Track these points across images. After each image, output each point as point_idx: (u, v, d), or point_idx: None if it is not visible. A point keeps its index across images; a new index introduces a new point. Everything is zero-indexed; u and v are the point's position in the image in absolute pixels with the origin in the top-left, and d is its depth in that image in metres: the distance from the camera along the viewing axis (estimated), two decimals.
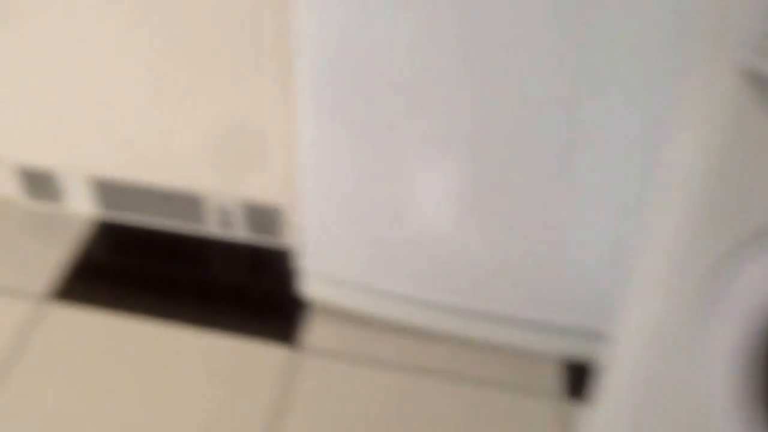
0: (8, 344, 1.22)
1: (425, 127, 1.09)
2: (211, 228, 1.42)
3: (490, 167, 1.11)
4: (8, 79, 1.23)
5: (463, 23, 0.99)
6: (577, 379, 1.25)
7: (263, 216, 1.38)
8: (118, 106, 1.23)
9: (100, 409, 1.15)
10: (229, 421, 1.15)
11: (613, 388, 0.88)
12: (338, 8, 1.01)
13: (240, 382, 1.20)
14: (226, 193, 1.31)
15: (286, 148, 1.23)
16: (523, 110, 1.04)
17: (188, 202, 1.39)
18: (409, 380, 1.23)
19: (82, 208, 1.44)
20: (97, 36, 1.16)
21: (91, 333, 1.25)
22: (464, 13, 0.98)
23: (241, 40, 1.13)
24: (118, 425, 1.14)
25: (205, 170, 1.28)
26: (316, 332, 1.29)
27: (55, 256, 1.36)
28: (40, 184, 1.41)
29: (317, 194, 1.21)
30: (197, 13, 1.12)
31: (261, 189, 1.29)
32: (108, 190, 1.40)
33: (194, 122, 1.23)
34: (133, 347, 1.24)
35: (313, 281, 1.30)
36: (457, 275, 1.24)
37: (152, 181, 1.32)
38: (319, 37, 1.04)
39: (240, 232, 1.41)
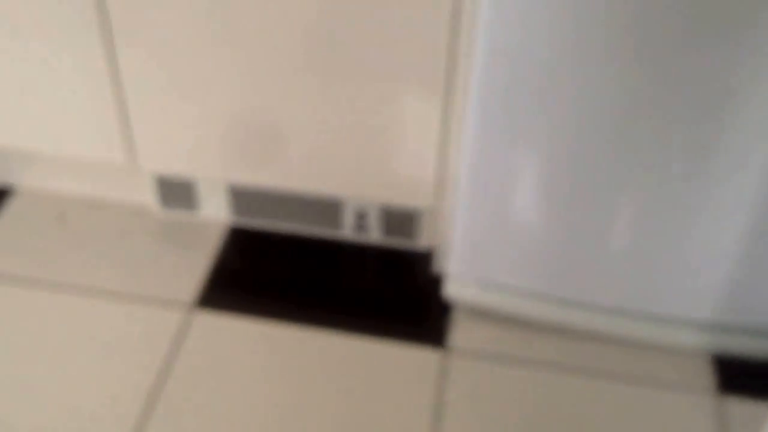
0: (164, 354, 1.24)
1: (584, 134, 1.08)
2: (347, 232, 1.42)
3: (638, 170, 1.10)
4: (142, 90, 1.24)
5: (626, 26, 0.98)
6: (728, 374, 1.24)
7: (400, 219, 1.38)
8: (256, 114, 1.24)
9: (256, 415, 1.17)
10: (392, 427, 1.16)
11: None
12: (506, 12, 1.01)
13: (395, 387, 1.21)
14: (365, 197, 1.32)
15: (435, 151, 1.23)
16: (664, 115, 1.04)
17: (325, 207, 1.40)
18: (559, 379, 1.22)
19: (217, 215, 1.45)
20: (236, 43, 1.17)
21: (239, 340, 1.26)
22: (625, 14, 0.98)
23: (394, 46, 1.13)
24: (274, 430, 1.15)
25: (345, 174, 1.29)
26: (462, 334, 1.29)
27: (195, 264, 1.38)
28: (176, 192, 1.43)
29: (469, 197, 1.21)
30: (349, 14, 1.12)
31: (400, 192, 1.29)
32: (242, 197, 1.41)
33: (337, 126, 1.23)
34: (281, 353, 1.25)
35: (458, 283, 1.30)
36: (601, 273, 1.23)
37: (288, 186, 1.33)
38: (489, 40, 1.04)
39: (375, 236, 1.42)
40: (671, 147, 1.08)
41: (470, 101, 1.12)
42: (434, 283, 1.36)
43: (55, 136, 1.34)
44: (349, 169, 1.28)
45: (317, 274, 1.38)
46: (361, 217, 1.39)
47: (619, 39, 1.00)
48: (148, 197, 1.45)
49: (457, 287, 1.30)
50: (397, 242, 1.42)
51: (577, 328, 1.28)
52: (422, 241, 1.41)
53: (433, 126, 1.20)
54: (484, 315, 1.31)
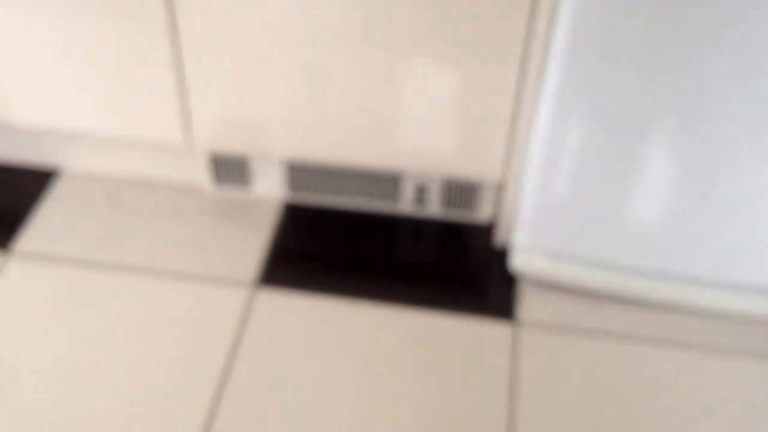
0: (230, 335, 1.22)
1: (662, 103, 1.06)
2: (406, 206, 1.40)
3: (712, 138, 1.08)
4: (202, 67, 1.21)
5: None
6: None
7: (462, 192, 1.36)
8: (315, 86, 1.21)
9: (327, 393, 1.15)
10: (470, 402, 1.15)
11: None
12: None
13: (466, 362, 1.19)
14: (427, 170, 1.29)
15: (507, 122, 1.21)
16: (740, 85, 1.02)
17: (384, 180, 1.37)
18: (632, 350, 1.21)
19: (271, 192, 1.43)
20: (296, 14, 1.14)
21: (305, 317, 1.25)
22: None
23: (467, 9, 1.10)
24: (349, 409, 1.14)
25: (407, 147, 1.26)
26: (531, 306, 1.27)
27: (254, 241, 1.36)
28: (229, 169, 1.40)
29: (540, 168, 1.19)
30: None
31: (466, 164, 1.27)
32: (298, 172, 1.39)
33: (400, 98, 1.21)
34: (348, 330, 1.23)
35: (526, 255, 1.28)
36: (674, 242, 1.21)
37: (348, 160, 1.30)
38: (573, 18, 1.01)
39: (435, 209, 1.40)
40: (744, 116, 1.06)
41: (548, 70, 1.09)
42: (498, 255, 1.35)
43: (110, 117, 1.30)
44: (412, 142, 1.25)
45: (377, 249, 1.36)
46: (421, 191, 1.37)
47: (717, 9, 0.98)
48: (200, 175, 1.43)
49: (524, 259, 1.28)
50: (457, 215, 1.40)
51: (649, 297, 1.26)
52: (483, 213, 1.39)
53: (507, 96, 1.17)
54: (552, 287, 1.29)
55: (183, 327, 1.22)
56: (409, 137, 1.25)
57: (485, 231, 1.39)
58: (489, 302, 1.28)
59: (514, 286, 1.30)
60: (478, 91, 1.17)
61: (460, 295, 1.29)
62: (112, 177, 1.46)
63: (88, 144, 1.43)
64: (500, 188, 1.34)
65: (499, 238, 1.35)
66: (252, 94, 1.23)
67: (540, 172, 1.19)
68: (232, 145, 1.31)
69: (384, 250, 1.36)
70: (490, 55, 1.13)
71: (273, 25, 1.15)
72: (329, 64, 1.18)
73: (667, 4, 0.99)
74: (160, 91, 1.25)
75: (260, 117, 1.26)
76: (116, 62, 1.23)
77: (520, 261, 1.28)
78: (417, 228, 1.40)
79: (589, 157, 1.15)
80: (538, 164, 1.19)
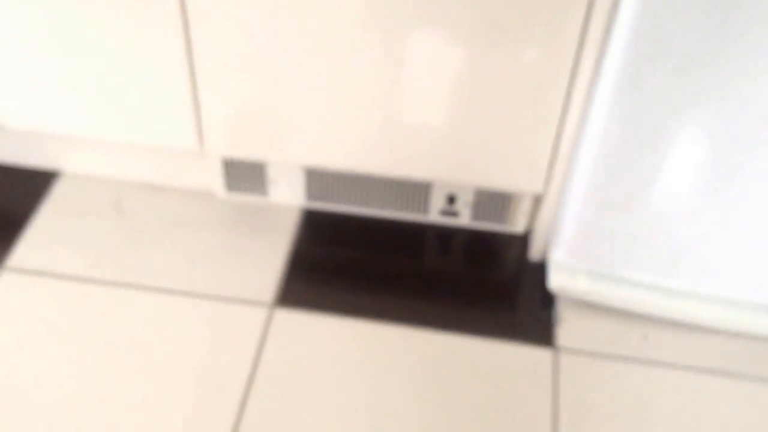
0: (250, 357, 1.13)
1: (730, 118, 0.96)
2: (434, 216, 1.31)
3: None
4: (214, 70, 1.10)
5: None
6: None
7: (495, 203, 1.27)
8: (337, 90, 1.11)
9: (349, 420, 1.06)
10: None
11: None
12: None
13: (501, 390, 1.10)
14: (458, 181, 1.19)
15: (552, 132, 1.11)
16: None
17: (411, 190, 1.27)
18: (677, 377, 1.13)
19: (290, 199, 1.33)
20: (314, 12, 1.03)
21: (327, 337, 1.15)
22: None
23: (521, 12, 1.00)
24: None
25: (437, 157, 1.16)
26: (572, 328, 1.18)
27: (272, 255, 1.26)
28: (244, 174, 1.30)
29: (588, 181, 1.09)
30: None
31: (503, 175, 1.17)
32: (317, 179, 1.28)
33: (437, 102, 1.11)
34: (373, 351, 1.14)
35: (566, 273, 1.19)
36: (728, 265, 1.12)
37: (372, 171, 1.20)
38: (631, 31, 0.91)
39: (465, 220, 1.30)
40: None
41: (603, 76, 0.99)
42: (535, 270, 1.25)
43: (119, 123, 1.20)
44: (444, 151, 1.15)
45: (403, 262, 1.26)
46: (451, 200, 1.27)
47: None
48: (213, 180, 1.32)
49: (564, 278, 1.19)
50: (490, 225, 1.31)
51: (698, 322, 1.17)
52: (519, 224, 1.29)
53: (555, 103, 1.07)
54: (593, 307, 1.20)
55: (197, 351, 1.13)
56: (441, 145, 1.14)
57: (520, 242, 1.29)
58: (526, 324, 1.18)
59: (553, 306, 1.21)
60: (522, 94, 1.07)
61: (494, 315, 1.19)
62: (117, 181, 1.36)
63: (91, 144, 1.32)
64: (538, 198, 1.24)
65: (535, 251, 1.26)
66: (268, 95, 1.13)
67: (585, 185, 1.10)
68: (246, 150, 1.21)
69: (411, 263, 1.26)
70: (539, 51, 1.03)
71: (287, 24, 1.04)
72: (347, 66, 1.07)
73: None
74: (170, 91, 1.15)
75: (277, 121, 1.15)
76: (120, 60, 1.13)
77: (559, 280, 1.19)
78: (446, 239, 1.30)
79: (642, 171, 1.06)
80: (584, 176, 1.09)
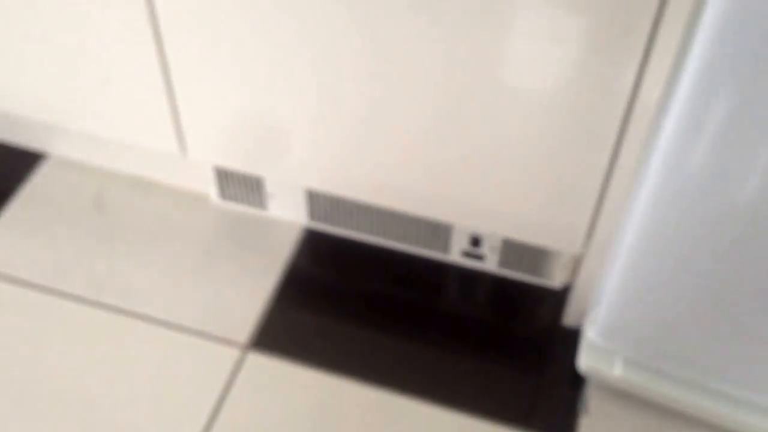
0: (214, 398, 0.96)
1: None
2: (454, 257, 1.10)
3: None
4: (186, 62, 0.91)
5: None
6: None
7: (525, 252, 1.05)
8: (338, 108, 0.90)
9: None
10: None
11: None
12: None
13: None
14: (482, 229, 0.98)
15: (597, 184, 0.87)
16: None
17: (430, 225, 1.07)
18: None
19: (290, 216, 1.14)
20: (306, 17, 0.82)
21: (301, 394, 0.98)
22: None
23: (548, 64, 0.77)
24: None
25: (461, 201, 0.95)
26: (596, 421, 0.96)
27: (262, 279, 1.08)
28: (240, 183, 1.12)
29: (634, 252, 0.86)
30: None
31: (530, 229, 0.95)
32: (321, 200, 1.09)
33: (458, 141, 0.89)
34: (356, 418, 0.96)
35: (599, 355, 0.96)
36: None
37: (379, 202, 1.00)
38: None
39: (491, 265, 1.09)
40: None
41: (662, 128, 0.75)
42: (566, 338, 1.03)
43: (104, 117, 1.03)
44: (469, 196, 0.93)
45: (411, 306, 1.06)
46: (475, 243, 1.06)
47: None
48: (205, 182, 1.15)
49: (598, 359, 0.97)
50: (519, 276, 1.09)
51: (739, 428, 0.94)
52: (554, 279, 1.07)
53: (605, 147, 0.84)
54: (627, 398, 0.98)
55: (156, 388, 0.97)
56: (463, 188, 0.93)
57: (555, 299, 1.07)
58: (547, 409, 0.97)
59: (581, 390, 0.99)
60: (566, 137, 0.84)
61: (511, 391, 0.99)
62: (104, 170, 1.20)
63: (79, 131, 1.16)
64: (577, 256, 1.01)
65: (571, 314, 1.04)
66: (256, 105, 0.93)
67: (632, 251, 0.87)
68: (235, 161, 1.02)
69: (420, 309, 1.06)
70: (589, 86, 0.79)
71: (276, 29, 0.84)
72: (347, 82, 0.86)
73: None
74: (146, 92, 0.97)
75: (268, 132, 0.96)
76: (100, 57, 0.95)
77: (591, 361, 0.97)
78: (466, 284, 1.09)
79: (702, 250, 0.82)
80: (631, 240, 0.86)
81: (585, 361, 0.97)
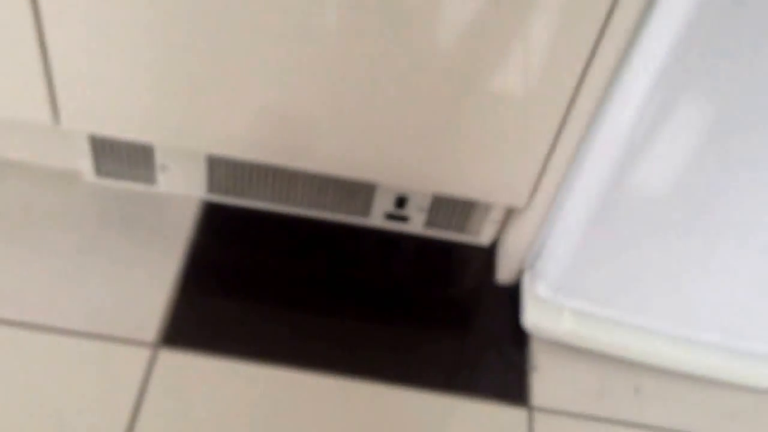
0: (127, 411, 0.82)
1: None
2: (376, 221, 1.01)
3: None
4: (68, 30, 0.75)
5: None
6: None
7: (453, 209, 0.98)
8: (226, 53, 0.78)
9: None
10: None
11: None
12: None
13: None
14: (412, 187, 0.89)
15: (541, 135, 0.81)
16: None
17: (348, 188, 0.97)
18: None
19: (185, 188, 1.00)
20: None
21: (222, 388, 0.86)
22: None
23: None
24: None
25: (384, 158, 0.86)
26: (547, 377, 0.92)
27: (159, 267, 0.94)
28: (122, 154, 0.96)
29: (582, 200, 0.82)
30: None
31: (461, 183, 0.88)
32: (220, 167, 0.96)
33: (383, 92, 0.79)
34: (287, 406, 0.86)
35: (547, 310, 0.92)
36: (742, 314, 0.88)
37: (290, 164, 0.89)
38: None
39: (416, 227, 1.01)
40: None
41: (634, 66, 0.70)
42: (500, 296, 0.98)
43: None
44: (393, 147, 0.84)
45: (332, 278, 0.96)
46: (400, 204, 0.98)
47: None
48: (82, 159, 0.98)
49: (545, 315, 0.92)
50: (446, 235, 1.02)
51: (700, 373, 0.94)
52: (483, 236, 1.01)
53: (558, 96, 0.78)
54: (575, 351, 0.94)
55: (58, 402, 0.81)
56: (387, 140, 0.83)
57: (484, 256, 1.02)
58: (491, 372, 0.92)
59: (526, 348, 0.94)
60: (511, 79, 0.77)
61: (449, 357, 0.92)
62: None
63: None
64: (511, 210, 0.96)
65: (504, 271, 0.98)
66: (140, 55, 0.78)
67: (586, 204, 0.82)
68: (114, 127, 0.86)
69: (342, 279, 0.97)
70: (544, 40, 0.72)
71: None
72: (251, 29, 0.74)
73: None
74: (15, 50, 0.79)
75: (149, 92, 0.81)
76: None
77: (538, 317, 0.92)
78: (390, 248, 1.01)
79: (661, 195, 0.79)
80: (585, 192, 0.81)
81: (530, 317, 0.92)
